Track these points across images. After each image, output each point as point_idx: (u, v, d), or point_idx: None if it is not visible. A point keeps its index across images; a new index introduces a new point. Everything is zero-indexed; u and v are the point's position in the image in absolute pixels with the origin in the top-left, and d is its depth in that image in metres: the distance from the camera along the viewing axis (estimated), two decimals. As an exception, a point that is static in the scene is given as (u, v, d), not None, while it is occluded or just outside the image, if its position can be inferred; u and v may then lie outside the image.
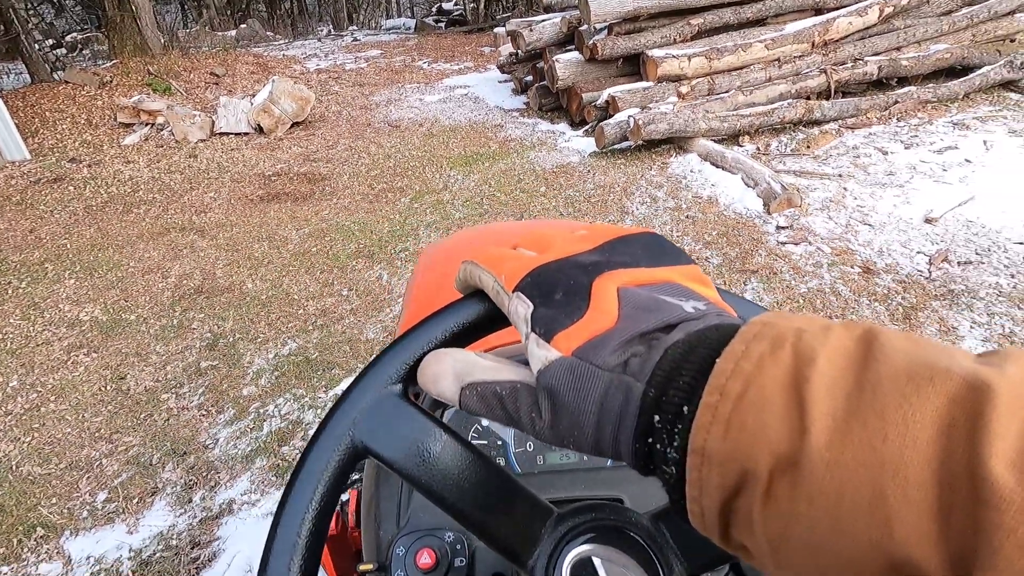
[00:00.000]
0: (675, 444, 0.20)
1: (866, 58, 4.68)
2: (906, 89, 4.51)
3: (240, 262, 3.06)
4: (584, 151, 4.29)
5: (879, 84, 4.72)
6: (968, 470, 0.15)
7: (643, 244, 0.27)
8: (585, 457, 0.53)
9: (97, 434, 1.91)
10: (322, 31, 12.76)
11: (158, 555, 1.48)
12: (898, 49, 4.86)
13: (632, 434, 0.21)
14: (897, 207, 3.10)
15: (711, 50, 4.38)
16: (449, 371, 0.27)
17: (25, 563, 1.47)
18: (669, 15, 4.57)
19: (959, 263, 2.58)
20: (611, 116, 4.26)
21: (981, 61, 4.80)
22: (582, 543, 0.31)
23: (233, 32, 10.75)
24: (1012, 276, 2.44)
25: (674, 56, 4.32)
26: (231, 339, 2.39)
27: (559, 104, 5.18)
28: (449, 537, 0.42)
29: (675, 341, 0.22)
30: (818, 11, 4.84)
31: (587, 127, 4.64)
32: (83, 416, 2.00)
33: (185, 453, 1.81)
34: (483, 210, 3.49)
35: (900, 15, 4.95)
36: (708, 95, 4.38)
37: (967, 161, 3.56)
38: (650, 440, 0.21)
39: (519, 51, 5.34)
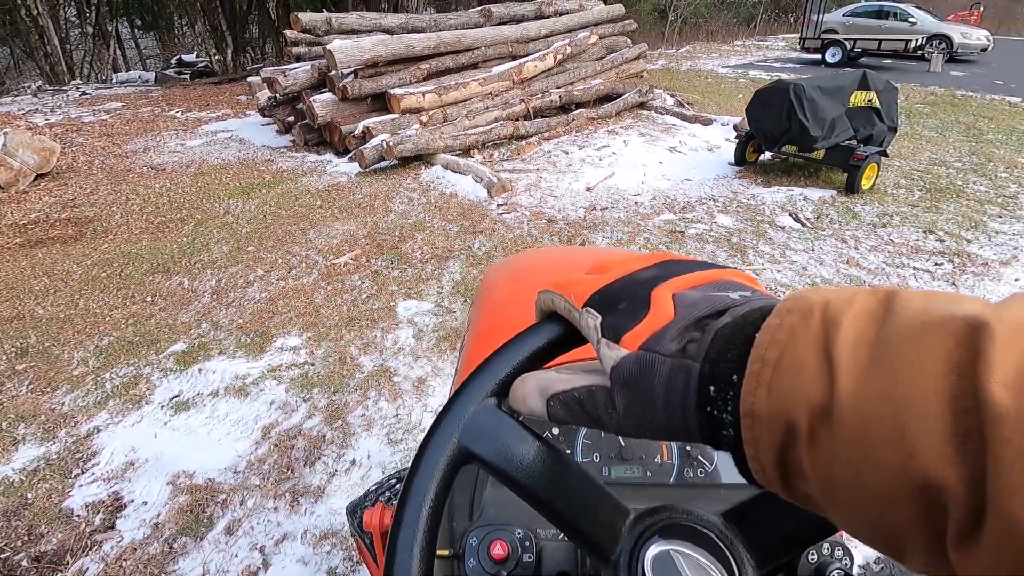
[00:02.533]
0: (729, 409, 0.23)
1: (551, 90, 6.53)
2: (579, 111, 6.45)
3: (21, 296, 3.20)
4: (351, 172, 5.19)
5: (562, 108, 6.61)
6: (974, 397, 0.17)
7: (694, 262, 0.31)
8: (649, 472, 0.57)
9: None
10: (29, 86, 11.42)
11: (42, 464, 1.91)
12: (571, 84, 6.86)
13: (694, 407, 0.25)
14: (571, 184, 4.67)
15: (440, 87, 5.71)
16: (534, 389, 0.31)
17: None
18: (402, 61, 5.79)
19: (601, 209, 4.14)
20: (368, 142, 5.26)
21: (624, 91, 7.04)
22: (660, 540, 0.33)
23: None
24: (626, 212, 4.05)
25: (412, 93, 5.53)
26: (41, 347, 2.68)
27: (323, 139, 6.00)
28: (519, 533, 0.44)
29: (724, 323, 0.25)
30: (513, 58, 6.58)
31: (350, 154, 5.56)
32: None
33: (34, 416, 2.17)
34: (268, 223, 4.13)
35: (569, 60, 6.99)
36: (443, 121, 5.68)
37: (614, 153, 5.41)
38: (708, 409, 0.24)
39: (277, 95, 6.04)
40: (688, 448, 0.59)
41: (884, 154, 4.48)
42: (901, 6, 12.82)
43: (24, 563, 1.59)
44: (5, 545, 1.64)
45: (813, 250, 3.45)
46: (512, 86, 6.24)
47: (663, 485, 0.56)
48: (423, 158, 5.25)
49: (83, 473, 1.91)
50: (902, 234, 3.64)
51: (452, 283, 3.14)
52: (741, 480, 0.49)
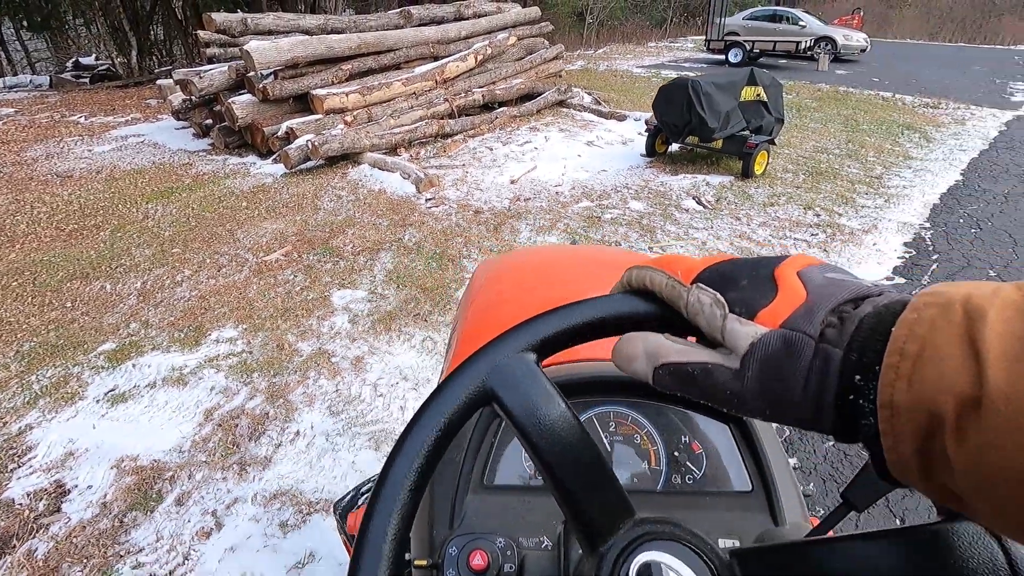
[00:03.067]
0: (871, 399, 0.23)
1: (474, 90, 6.76)
2: (502, 109, 6.72)
3: (-80, 309, 3.06)
4: (276, 173, 5.19)
5: (485, 107, 6.86)
6: None
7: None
8: (635, 479, 0.56)
9: None
10: None
11: (-26, 463, 1.91)
12: (493, 83, 7.12)
13: (834, 393, 0.24)
14: (496, 178, 4.91)
15: (364, 87, 5.79)
16: (642, 352, 0.30)
17: None
18: (324, 62, 5.83)
19: (525, 199, 4.41)
20: (292, 143, 5.27)
21: (544, 89, 7.38)
22: (655, 550, 0.32)
23: None
24: (547, 201, 4.35)
25: (335, 93, 5.58)
26: (-47, 356, 2.60)
27: (244, 141, 5.93)
28: (500, 543, 0.43)
29: (867, 313, 0.25)
30: (435, 58, 6.76)
31: (274, 155, 5.54)
32: None
33: (-45, 421, 2.15)
34: (192, 225, 4.09)
35: (490, 60, 7.25)
36: (368, 121, 5.78)
37: (536, 148, 5.71)
38: (851, 398, 0.24)
39: (193, 97, 5.91)
40: (676, 454, 0.57)
41: (772, 143, 5.04)
42: (793, 11, 14.06)
43: (-33, 551, 1.62)
44: (-56, 537, 1.66)
45: (712, 228, 3.87)
46: (436, 86, 6.42)
47: (650, 492, 0.55)
48: (349, 157, 5.33)
49: (19, 467, 1.93)
50: (787, 211, 4.15)
51: (384, 272, 3.29)
52: (729, 489, 0.50)
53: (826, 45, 13.14)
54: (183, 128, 6.80)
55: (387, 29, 6.54)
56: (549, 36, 8.63)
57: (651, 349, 0.30)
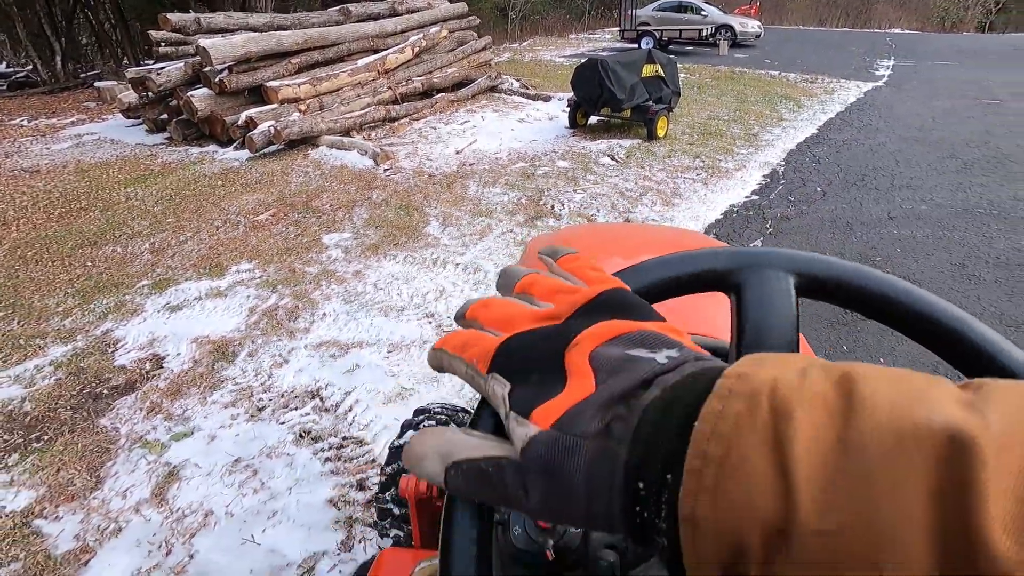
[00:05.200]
0: (662, 514, 0.20)
1: (414, 78, 7.57)
2: (440, 95, 7.57)
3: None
4: (241, 158, 5.81)
5: (425, 93, 7.68)
6: (965, 538, 0.15)
7: (609, 305, 0.28)
8: None
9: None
10: None
11: (77, 351, 2.59)
12: (431, 72, 7.95)
13: (621, 504, 0.21)
14: (443, 151, 5.77)
15: (313, 79, 6.48)
16: (432, 451, 0.26)
17: None
18: (274, 56, 6.47)
19: (470, 165, 5.30)
20: (254, 130, 5.91)
21: (476, 77, 8.27)
22: None
23: None
24: (489, 165, 5.26)
25: (288, 85, 6.25)
26: (7, 303, 3.19)
27: (202, 132, 6.47)
28: None
29: (651, 400, 0.22)
30: (375, 51, 7.51)
31: (235, 143, 6.14)
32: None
33: (43, 335, 2.79)
34: (176, 202, 4.70)
35: (426, 52, 8.06)
36: (320, 109, 6.48)
37: (474, 127, 6.61)
38: (638, 509, 0.21)
39: (149, 94, 6.40)
40: None
41: (670, 110, 6.16)
42: (696, 1, 15.65)
43: (105, 392, 2.34)
44: (84, 385, 2.36)
45: (622, 175, 4.91)
46: (379, 76, 7.18)
47: None
48: (308, 141, 6.02)
49: (117, 350, 2.63)
50: (680, 161, 5.25)
51: (362, 219, 4.09)
52: None
53: (725, 32, 14.77)
54: (134, 125, 7.21)
55: (329, 25, 7.24)
56: (476, 29, 9.53)
57: (443, 447, 0.26)
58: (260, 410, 2.19)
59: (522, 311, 0.29)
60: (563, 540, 0.43)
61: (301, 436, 2.04)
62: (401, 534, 1.23)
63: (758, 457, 0.18)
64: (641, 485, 0.20)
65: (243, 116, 6.06)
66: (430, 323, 2.73)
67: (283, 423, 2.11)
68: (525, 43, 15.98)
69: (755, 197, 4.36)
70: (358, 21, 7.56)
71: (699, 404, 0.20)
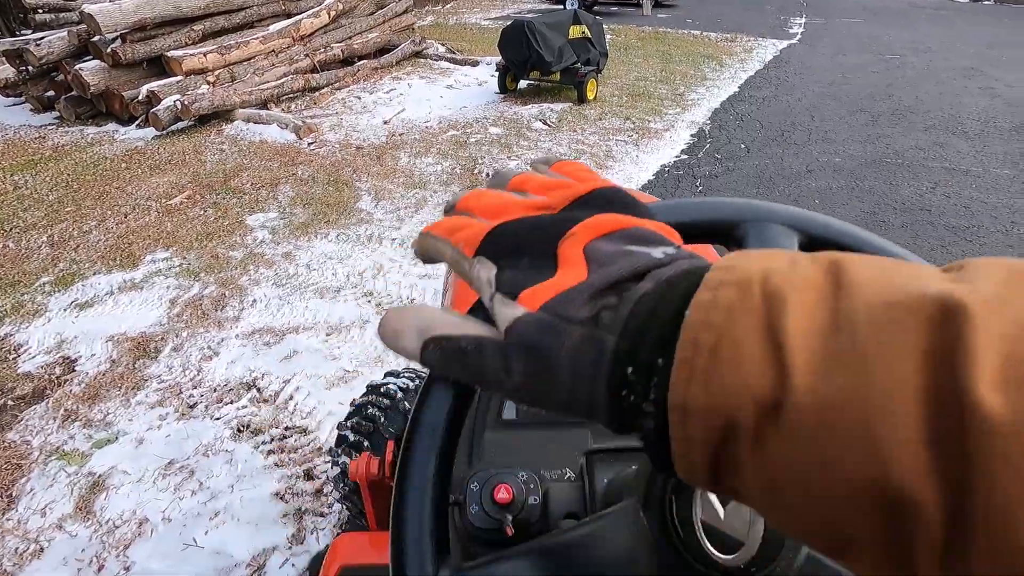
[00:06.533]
0: (651, 397, 0.20)
1: (333, 45, 7.15)
2: (363, 62, 7.20)
3: None
4: (146, 137, 5.34)
5: (346, 61, 7.29)
6: (955, 397, 0.15)
7: (606, 199, 0.27)
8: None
9: None
10: None
11: None
12: (351, 38, 7.53)
13: (606, 389, 0.21)
14: (370, 121, 5.52)
15: (221, 47, 5.99)
16: (411, 326, 0.26)
17: None
18: (173, 23, 5.91)
19: (399, 134, 5.10)
20: (158, 105, 5.42)
21: (400, 42, 7.91)
22: None
23: None
24: (420, 134, 5.09)
25: (192, 55, 5.75)
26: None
27: (98, 110, 5.87)
28: (523, 476, 0.43)
29: (645, 291, 0.22)
30: (288, 15, 7.02)
31: (139, 120, 5.62)
32: None
33: None
34: (74, 188, 4.27)
35: (343, 16, 7.61)
36: (232, 81, 6.01)
37: (401, 95, 6.36)
38: (623, 393, 0.21)
39: (30, 68, 5.71)
40: None
41: (599, 72, 6.15)
42: (617, -39, 15.53)
43: (9, 403, 2.12)
44: (-16, 398, 2.14)
45: (555, 139, 4.88)
46: (294, 43, 6.73)
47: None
48: (221, 115, 5.59)
49: (19, 356, 2.39)
50: (611, 123, 5.28)
51: (288, 198, 3.87)
52: None
53: (648, -8, 14.81)
54: (16, 104, 6.45)
55: (233, -12, 6.66)
56: (396, -9, 9.08)
57: (422, 322, 0.26)
58: (191, 407, 2.05)
59: (515, 201, 0.29)
60: (522, 514, 0.43)
61: (239, 431, 1.94)
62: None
63: (751, 341, 0.18)
64: (630, 370, 0.21)
65: (144, 90, 5.53)
66: (369, 302, 2.64)
67: (218, 419, 1.99)
68: (448, 5, 15.43)
69: (684, 156, 4.46)
70: (266, -17, 7.01)
71: (691, 296, 0.20)
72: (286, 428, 1.93)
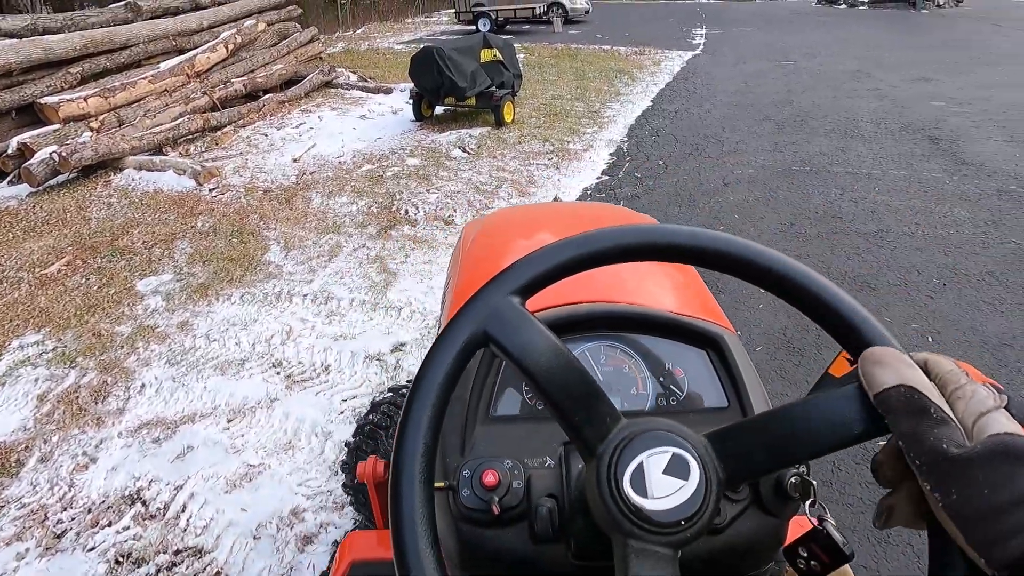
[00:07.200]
0: None
1: (233, 80, 6.72)
2: (268, 96, 6.81)
3: None
4: (20, 195, 4.75)
5: (250, 96, 6.87)
6: None
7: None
8: (625, 403, 0.62)
9: None
10: None
11: None
12: (253, 71, 7.12)
13: None
14: (278, 160, 5.17)
15: (104, 90, 5.47)
16: (903, 361, 0.33)
17: None
18: (45, 67, 5.34)
19: (311, 173, 4.80)
20: (31, 159, 4.84)
21: (307, 73, 7.57)
22: (641, 445, 0.37)
23: None
24: (333, 171, 4.80)
25: (70, 99, 5.20)
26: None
27: (-39, 167, 5.19)
28: (508, 464, 0.49)
29: None
30: (180, 51, 6.54)
31: (10, 176, 5.01)
32: None
33: None
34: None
35: (243, 49, 7.20)
36: (120, 125, 5.49)
37: (311, 129, 6.03)
38: None
39: None
40: (661, 379, 0.64)
41: (514, 94, 6.08)
42: (526, -19, 15.77)
43: None
44: None
45: (476, 168, 4.74)
46: (189, 80, 6.26)
47: (639, 412, 0.61)
48: (109, 164, 5.08)
49: None
50: (531, 146, 5.20)
51: (186, 256, 3.49)
52: (713, 405, 0.61)
53: (557, 9, 15.12)
54: None
55: (115, 24, 6.14)
56: (302, 21, 8.73)
57: (906, 368, 0.32)
58: (59, 537, 1.71)
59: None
60: (507, 496, 0.48)
61: (118, 562, 1.61)
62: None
63: None
64: None
65: (13, 143, 4.93)
66: (278, 374, 2.36)
67: (92, 549, 1.66)
68: (360, 31, 15.12)
69: (605, 178, 4.42)
70: (152, 18, 6.52)
71: None
72: (176, 552, 1.62)
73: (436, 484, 0.42)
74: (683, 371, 0.64)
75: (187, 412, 2.17)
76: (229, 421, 2.10)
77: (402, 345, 2.45)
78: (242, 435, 2.04)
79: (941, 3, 19.51)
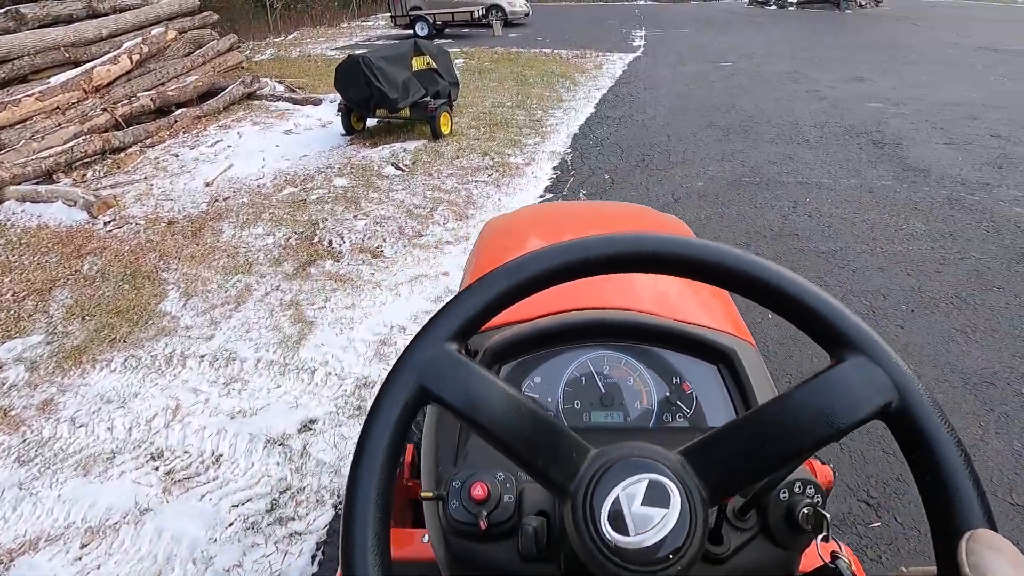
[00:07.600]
0: None
1: (139, 94, 6.06)
2: (181, 111, 6.17)
3: None
4: None
5: (160, 111, 6.22)
6: None
7: None
8: (628, 418, 0.58)
9: None
10: None
11: None
12: (163, 84, 6.46)
13: None
14: (188, 184, 4.62)
15: (-22, 110, 4.75)
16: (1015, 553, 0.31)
17: None
18: (-99, 86, 4.59)
19: (224, 199, 4.28)
20: None
21: (226, 84, 6.95)
22: (614, 477, 0.34)
23: None
24: (249, 196, 4.29)
25: (-66, 122, 4.48)
26: None
27: None
28: (500, 476, 0.47)
29: None
30: (75, 64, 5.83)
31: None
32: None
33: None
34: None
35: (152, 60, 6.52)
36: (1, 150, 4.79)
37: (229, 147, 5.47)
38: None
39: None
40: (667, 395, 0.61)
41: (451, 103, 5.71)
42: (463, -17, 15.37)
43: None
44: None
45: (409, 187, 4.33)
46: (86, 95, 5.58)
47: (643, 430, 0.59)
48: (-15, 196, 4.39)
49: None
50: (470, 160, 4.84)
51: (63, 309, 2.96)
52: (721, 423, 0.54)
53: (497, 12, 14.80)
54: None
55: (-8, 35, 5.40)
56: (229, 27, 8.07)
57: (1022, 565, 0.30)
58: None
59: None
60: (497, 510, 0.46)
61: None
62: None
63: None
64: None
65: None
66: (156, 469, 1.90)
67: None
68: (291, 36, 14.35)
69: (549, 195, 4.11)
70: (40, 27, 5.79)
71: None
72: None
73: (424, 493, 0.49)
74: (692, 386, 0.61)
75: (28, 536, 1.70)
76: (83, 547, 1.65)
77: (312, 423, 2.04)
78: (97, 567, 1.59)
79: (863, 3, 20.36)
